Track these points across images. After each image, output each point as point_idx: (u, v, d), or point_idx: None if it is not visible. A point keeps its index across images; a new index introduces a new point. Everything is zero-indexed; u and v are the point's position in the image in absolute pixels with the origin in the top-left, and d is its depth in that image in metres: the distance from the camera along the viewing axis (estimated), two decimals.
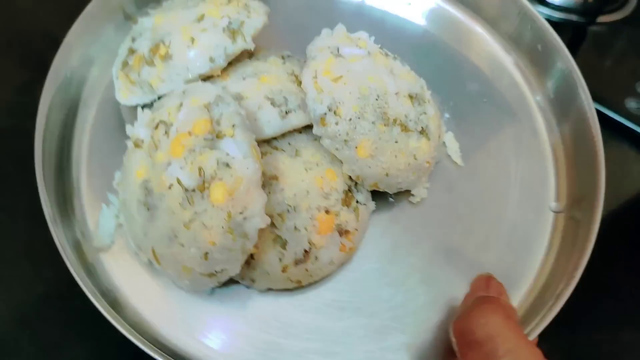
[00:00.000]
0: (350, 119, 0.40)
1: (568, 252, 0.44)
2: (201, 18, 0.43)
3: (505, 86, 0.55)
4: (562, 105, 0.52)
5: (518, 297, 0.43)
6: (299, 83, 0.43)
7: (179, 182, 0.36)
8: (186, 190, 0.36)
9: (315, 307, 0.42)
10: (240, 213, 0.36)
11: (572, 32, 0.68)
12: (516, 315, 0.35)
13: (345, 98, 0.41)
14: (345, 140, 0.40)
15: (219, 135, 0.37)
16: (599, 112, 0.48)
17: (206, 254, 0.36)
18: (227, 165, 0.36)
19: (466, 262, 0.44)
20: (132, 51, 0.44)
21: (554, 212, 0.47)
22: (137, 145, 0.39)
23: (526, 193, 0.48)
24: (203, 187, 0.36)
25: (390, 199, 0.46)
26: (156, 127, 0.38)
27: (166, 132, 0.38)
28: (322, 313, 0.42)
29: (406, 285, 0.43)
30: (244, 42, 0.42)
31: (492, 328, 0.33)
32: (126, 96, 0.44)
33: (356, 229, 0.42)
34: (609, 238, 0.44)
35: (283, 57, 0.47)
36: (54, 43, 0.47)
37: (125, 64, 0.44)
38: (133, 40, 0.45)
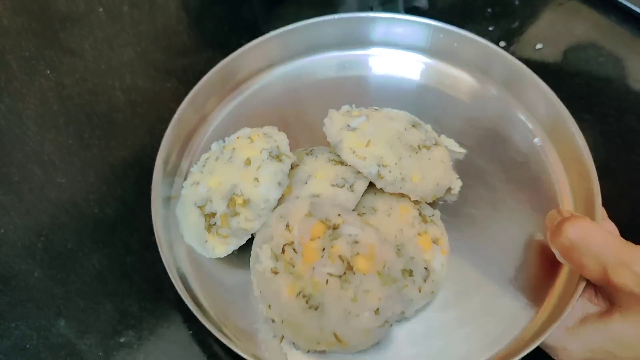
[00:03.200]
0: (396, 163, 0.52)
1: None
2: (248, 162, 0.53)
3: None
4: None
5: None
6: (338, 163, 0.55)
7: (330, 275, 0.46)
8: (340, 276, 0.46)
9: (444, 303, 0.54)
10: (383, 267, 0.47)
11: None
12: None
13: (383, 153, 0.53)
14: (402, 179, 0.52)
15: (334, 227, 0.48)
16: None
17: (377, 309, 0.46)
18: (356, 242, 0.47)
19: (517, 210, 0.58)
20: (210, 215, 0.53)
21: None
22: (275, 272, 0.48)
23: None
24: (350, 266, 0.46)
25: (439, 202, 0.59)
26: (282, 252, 0.48)
27: (294, 250, 0.48)
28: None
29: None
30: (290, 158, 0.53)
31: (582, 229, 0.45)
32: (223, 250, 0.53)
33: (442, 233, 0.54)
34: None
35: (309, 154, 0.58)
36: None
37: (208, 226, 0.53)
38: (201, 207, 0.54)
